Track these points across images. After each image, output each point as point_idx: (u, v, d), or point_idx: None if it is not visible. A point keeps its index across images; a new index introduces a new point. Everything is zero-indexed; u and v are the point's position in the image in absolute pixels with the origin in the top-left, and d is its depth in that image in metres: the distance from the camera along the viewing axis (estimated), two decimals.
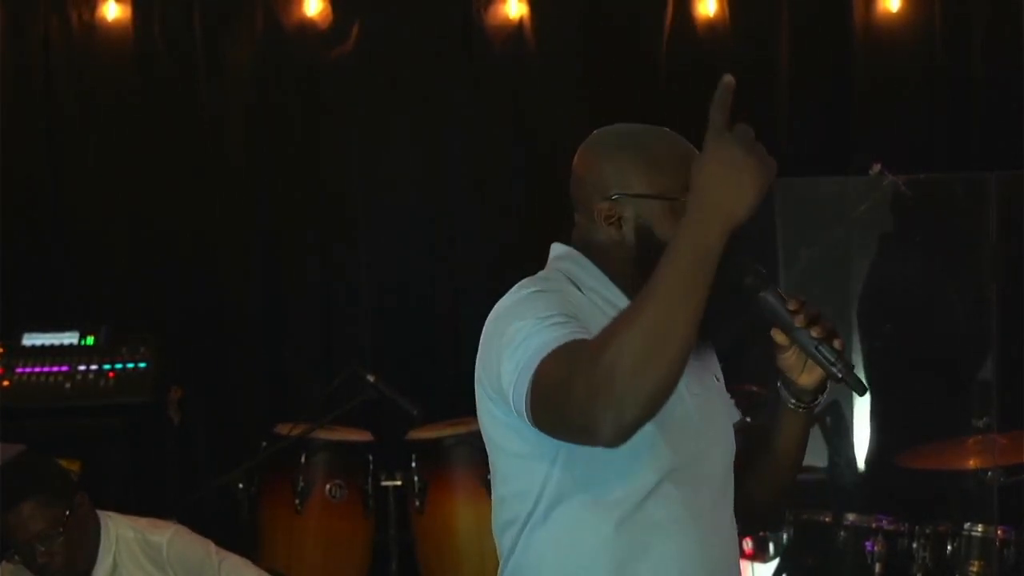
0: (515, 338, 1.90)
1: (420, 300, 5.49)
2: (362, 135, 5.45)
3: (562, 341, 1.85)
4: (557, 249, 2.15)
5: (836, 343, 1.95)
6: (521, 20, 5.43)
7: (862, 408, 4.89)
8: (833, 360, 1.92)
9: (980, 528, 4.13)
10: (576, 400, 1.76)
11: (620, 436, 1.77)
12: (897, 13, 5.43)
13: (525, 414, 1.88)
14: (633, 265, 2.04)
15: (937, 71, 5.44)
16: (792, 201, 4.81)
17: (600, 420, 1.74)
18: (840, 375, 1.93)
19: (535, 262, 2.14)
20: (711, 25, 5.42)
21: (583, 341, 1.84)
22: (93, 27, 5.40)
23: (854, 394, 1.93)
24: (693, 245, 1.76)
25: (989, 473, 4.21)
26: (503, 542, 2.09)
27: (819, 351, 1.93)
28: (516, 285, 2.04)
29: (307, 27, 5.42)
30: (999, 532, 4.13)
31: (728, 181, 1.77)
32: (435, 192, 5.49)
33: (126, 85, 5.42)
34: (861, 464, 4.96)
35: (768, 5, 5.44)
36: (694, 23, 5.43)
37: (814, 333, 1.94)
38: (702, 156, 1.80)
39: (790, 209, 4.85)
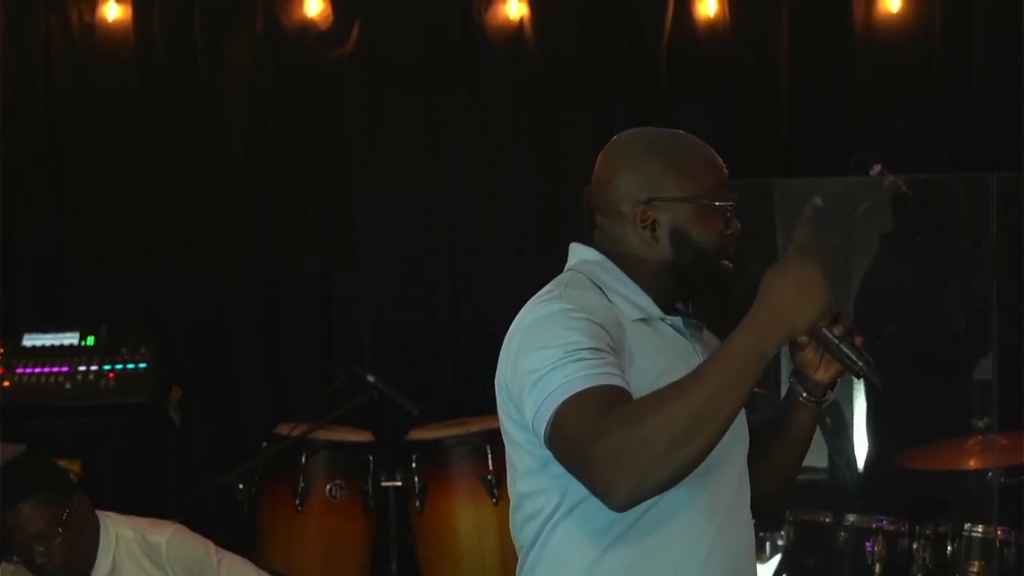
0: (540, 367, 1.91)
1: (420, 300, 5.48)
2: (362, 135, 5.45)
3: (589, 384, 1.86)
4: (579, 251, 2.15)
5: (857, 340, 2.00)
6: (521, 20, 5.42)
7: (862, 408, 4.88)
8: (855, 357, 1.97)
9: (980, 529, 4.13)
10: (597, 458, 1.79)
11: (629, 505, 1.82)
12: (897, 13, 5.42)
13: (544, 445, 1.91)
14: (668, 268, 2.08)
15: (937, 71, 5.43)
16: (792, 201, 4.80)
17: (617, 485, 1.79)
18: (862, 371, 1.99)
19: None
20: (711, 25, 5.41)
21: (609, 390, 1.85)
22: (93, 27, 5.40)
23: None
24: (751, 347, 1.84)
25: (989, 473, 4.21)
26: (523, 536, 2.09)
27: (841, 348, 1.98)
28: (543, 291, 2.05)
29: (307, 27, 5.41)
30: (999, 532, 4.13)
31: (801, 297, 1.88)
32: (435, 192, 5.49)
33: (126, 85, 5.41)
34: (861, 464, 4.95)
35: (768, 5, 5.43)
36: (694, 23, 5.41)
37: (836, 331, 1.98)
38: (782, 267, 1.90)
39: (790, 209, 4.84)
